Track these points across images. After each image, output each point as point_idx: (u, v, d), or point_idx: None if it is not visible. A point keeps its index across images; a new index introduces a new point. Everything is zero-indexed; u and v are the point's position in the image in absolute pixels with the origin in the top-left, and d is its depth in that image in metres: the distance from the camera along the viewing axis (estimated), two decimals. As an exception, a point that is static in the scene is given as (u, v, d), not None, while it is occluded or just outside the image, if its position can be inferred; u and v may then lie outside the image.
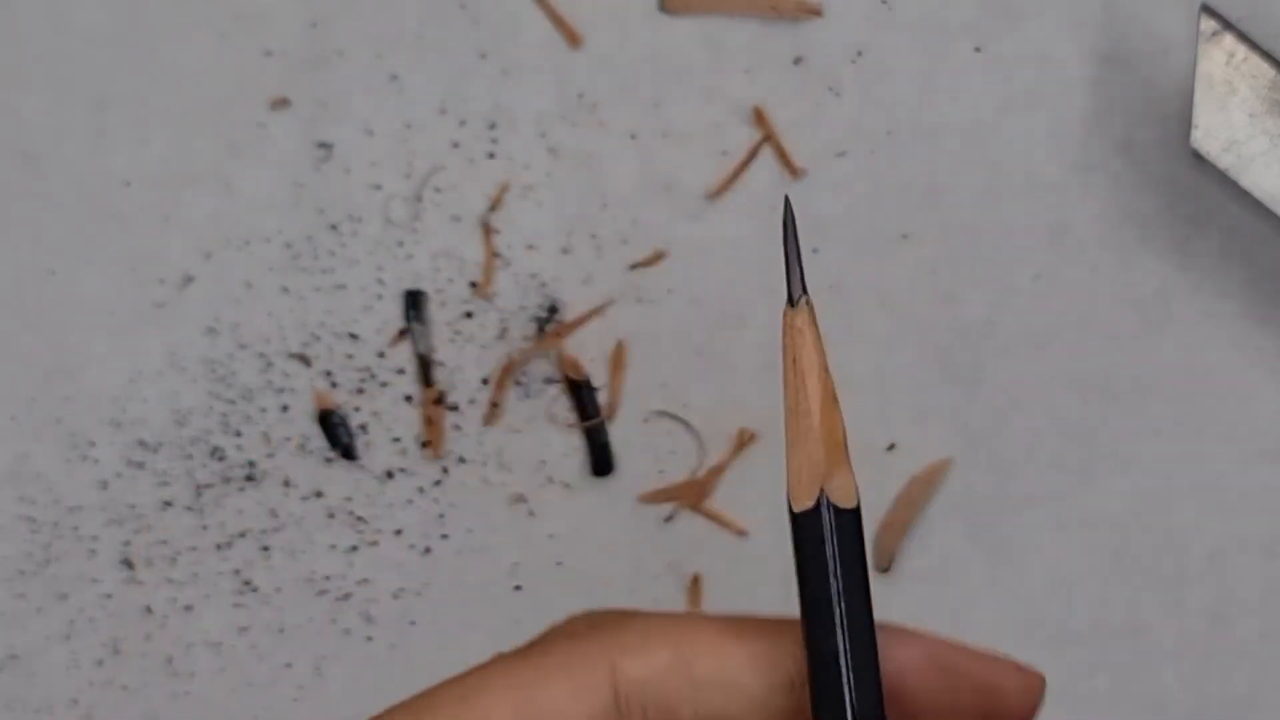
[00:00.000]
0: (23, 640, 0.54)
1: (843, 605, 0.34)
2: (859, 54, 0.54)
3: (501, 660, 0.34)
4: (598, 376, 0.54)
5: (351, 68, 0.54)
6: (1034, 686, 0.36)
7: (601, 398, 0.54)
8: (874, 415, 0.55)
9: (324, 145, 0.54)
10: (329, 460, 0.54)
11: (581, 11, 0.54)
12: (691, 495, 0.54)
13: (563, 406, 0.54)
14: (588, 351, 0.54)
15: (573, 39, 0.54)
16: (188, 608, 0.54)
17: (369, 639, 0.54)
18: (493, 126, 0.54)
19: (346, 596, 0.54)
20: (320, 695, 0.54)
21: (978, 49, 0.54)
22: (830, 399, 0.35)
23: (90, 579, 0.54)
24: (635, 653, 0.34)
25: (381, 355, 0.54)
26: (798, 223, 0.36)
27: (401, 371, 0.54)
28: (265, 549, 0.54)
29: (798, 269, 0.36)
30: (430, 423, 0.54)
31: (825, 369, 0.35)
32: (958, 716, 0.35)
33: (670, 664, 0.34)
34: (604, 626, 0.35)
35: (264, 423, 0.54)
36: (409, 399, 0.54)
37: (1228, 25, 0.52)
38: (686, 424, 0.55)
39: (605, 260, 0.54)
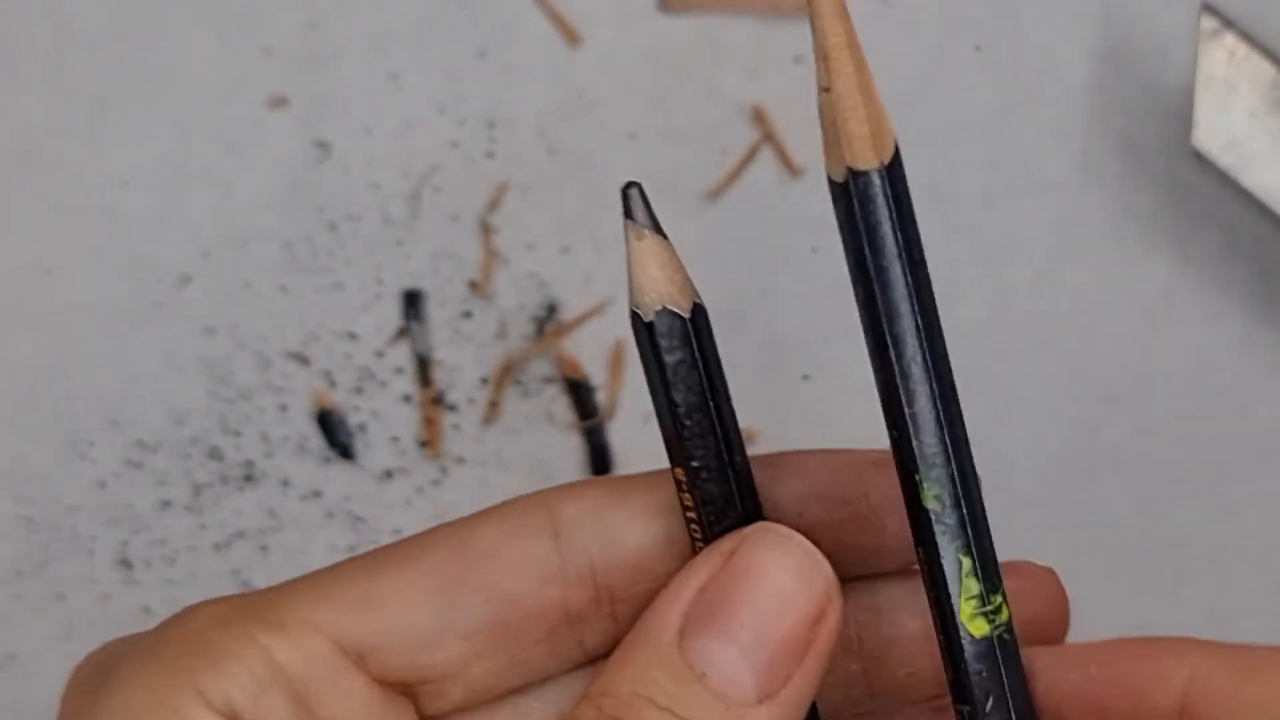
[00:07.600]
0: (21, 641, 0.54)
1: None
2: (859, 53, 0.54)
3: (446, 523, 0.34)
4: (596, 376, 0.54)
5: (350, 67, 0.54)
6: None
7: (600, 397, 0.54)
8: (874, 415, 0.54)
9: (322, 144, 0.54)
10: (327, 460, 0.54)
11: (581, 10, 0.54)
12: (691, 495, 0.54)
13: (561, 406, 0.54)
14: (587, 351, 0.54)
15: (572, 37, 0.54)
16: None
17: (368, 639, 0.54)
18: (492, 125, 0.54)
19: (345, 597, 0.54)
20: (319, 695, 0.54)
21: (978, 48, 0.54)
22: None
23: (88, 579, 0.54)
24: (573, 496, 0.34)
25: (380, 355, 0.54)
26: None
27: (400, 371, 0.54)
28: (264, 549, 0.54)
29: None
30: (429, 422, 0.54)
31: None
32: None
33: (608, 498, 0.34)
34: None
35: (262, 422, 0.54)
36: (408, 398, 0.54)
37: (1228, 24, 0.52)
38: (686, 423, 0.54)
39: (604, 259, 0.54)
